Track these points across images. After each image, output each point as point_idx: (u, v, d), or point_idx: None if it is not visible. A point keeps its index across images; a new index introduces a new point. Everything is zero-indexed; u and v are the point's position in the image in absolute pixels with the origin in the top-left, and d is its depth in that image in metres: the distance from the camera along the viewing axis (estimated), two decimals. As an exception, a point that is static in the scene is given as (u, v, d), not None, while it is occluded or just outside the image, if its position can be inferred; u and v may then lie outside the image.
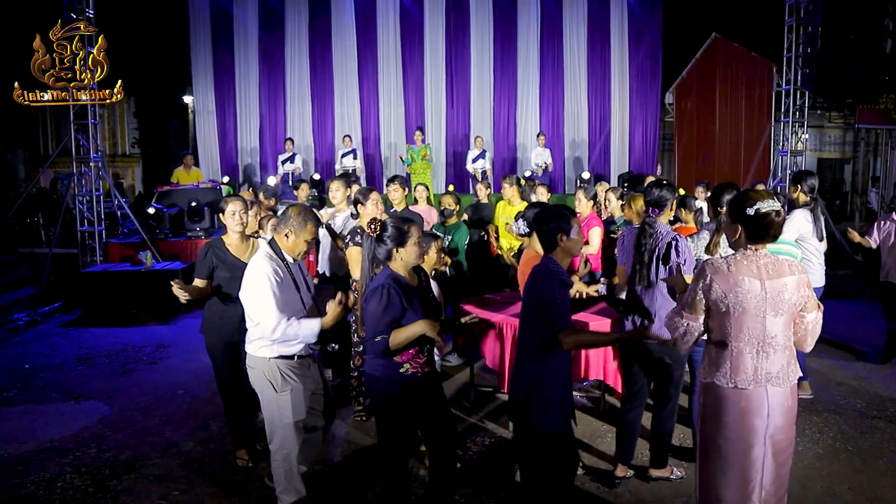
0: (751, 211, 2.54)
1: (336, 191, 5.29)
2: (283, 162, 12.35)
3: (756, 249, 2.57)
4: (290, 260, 3.34)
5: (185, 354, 6.43)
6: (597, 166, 13.86)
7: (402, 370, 3.03)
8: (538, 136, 12.72)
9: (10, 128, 16.81)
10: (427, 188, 7.41)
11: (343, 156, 12.32)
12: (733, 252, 2.64)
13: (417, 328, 2.98)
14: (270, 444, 3.36)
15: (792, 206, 5.16)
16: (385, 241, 3.05)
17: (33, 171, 17.34)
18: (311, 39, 14.02)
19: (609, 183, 11.52)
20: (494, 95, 14.05)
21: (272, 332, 3.13)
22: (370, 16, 13.85)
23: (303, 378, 3.33)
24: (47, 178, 16.47)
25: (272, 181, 11.74)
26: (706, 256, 3.57)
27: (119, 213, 10.37)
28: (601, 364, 4.34)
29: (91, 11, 9.35)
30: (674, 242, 3.54)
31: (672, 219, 4.12)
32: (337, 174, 11.50)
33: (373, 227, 3.08)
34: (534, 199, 8.17)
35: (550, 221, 2.95)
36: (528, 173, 12.63)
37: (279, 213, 3.91)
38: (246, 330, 3.40)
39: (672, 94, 15.75)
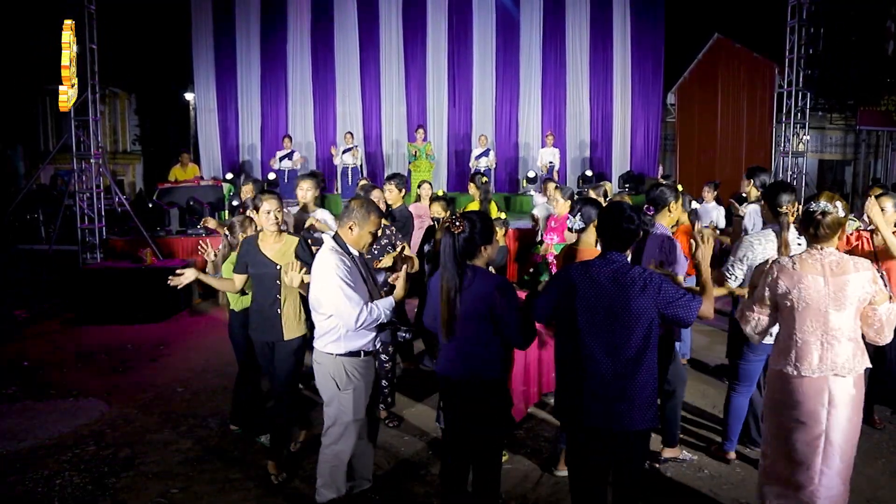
0: (803, 209, 2.75)
1: (307, 190, 5.13)
2: (282, 159, 12.32)
3: (821, 248, 2.72)
4: (355, 253, 3.28)
5: (185, 352, 6.40)
6: (598, 166, 13.84)
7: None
8: (547, 135, 12.72)
9: (10, 124, 16.80)
10: (431, 186, 7.47)
11: (344, 152, 12.30)
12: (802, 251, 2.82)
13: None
14: (324, 437, 3.33)
15: (744, 200, 5.41)
16: (476, 238, 2.91)
17: (33, 167, 17.31)
18: (313, 37, 13.98)
19: (610, 183, 11.49)
20: (497, 95, 14.02)
21: (357, 322, 3.07)
22: (373, 14, 13.83)
23: (366, 377, 3.30)
24: (47, 174, 16.44)
25: (272, 178, 11.75)
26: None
27: (119, 210, 10.36)
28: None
29: (93, 7, 9.33)
30: (658, 241, 3.60)
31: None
32: (339, 170, 11.52)
33: (458, 223, 2.91)
34: (542, 198, 8.25)
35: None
36: (531, 174, 12.66)
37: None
38: (281, 328, 3.58)
39: (674, 95, 15.72)
